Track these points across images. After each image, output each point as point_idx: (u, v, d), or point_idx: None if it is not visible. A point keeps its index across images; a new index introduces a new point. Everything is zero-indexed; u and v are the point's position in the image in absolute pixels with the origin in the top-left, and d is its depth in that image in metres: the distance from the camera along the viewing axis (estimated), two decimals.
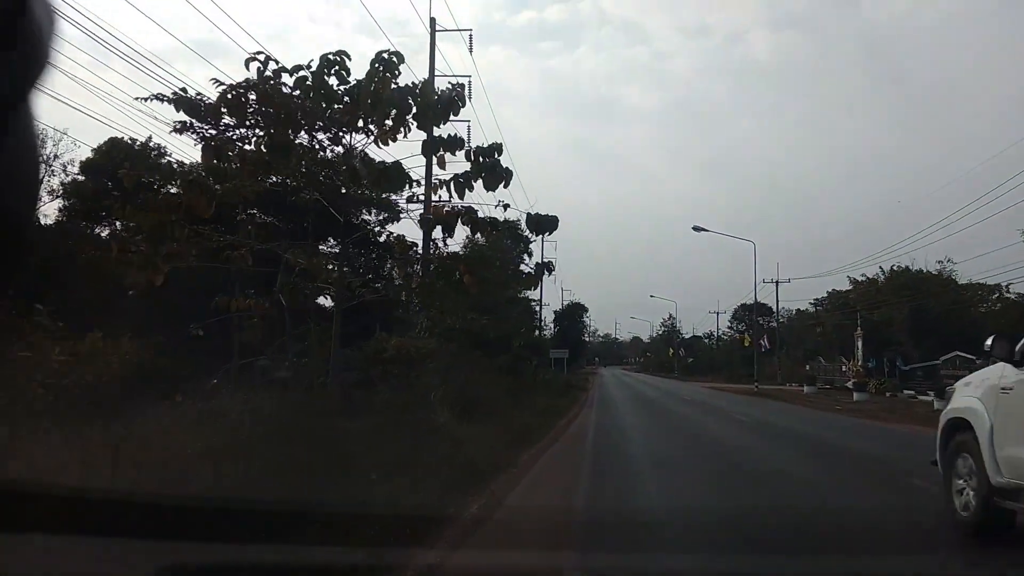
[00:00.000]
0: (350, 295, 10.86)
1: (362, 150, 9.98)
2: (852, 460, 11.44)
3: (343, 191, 10.74)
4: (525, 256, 42.99)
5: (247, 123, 10.00)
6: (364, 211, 21.93)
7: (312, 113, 10.33)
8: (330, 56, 9.63)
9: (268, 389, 10.64)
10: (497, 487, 6.89)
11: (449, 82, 11.00)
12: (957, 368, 36.30)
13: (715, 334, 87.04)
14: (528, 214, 10.82)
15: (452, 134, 11.13)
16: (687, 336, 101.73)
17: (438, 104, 10.21)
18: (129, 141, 22.08)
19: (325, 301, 13.56)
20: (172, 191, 12.09)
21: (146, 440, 5.93)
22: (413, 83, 10.28)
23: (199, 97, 10.52)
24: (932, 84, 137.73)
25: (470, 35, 27.98)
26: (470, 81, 27.48)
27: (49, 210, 23.90)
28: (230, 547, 4.05)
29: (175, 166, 15.10)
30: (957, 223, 57.26)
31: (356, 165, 9.40)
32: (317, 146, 10.80)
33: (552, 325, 69.84)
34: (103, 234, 21.57)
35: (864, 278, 55.16)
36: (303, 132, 10.60)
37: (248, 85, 10.01)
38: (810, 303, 65.88)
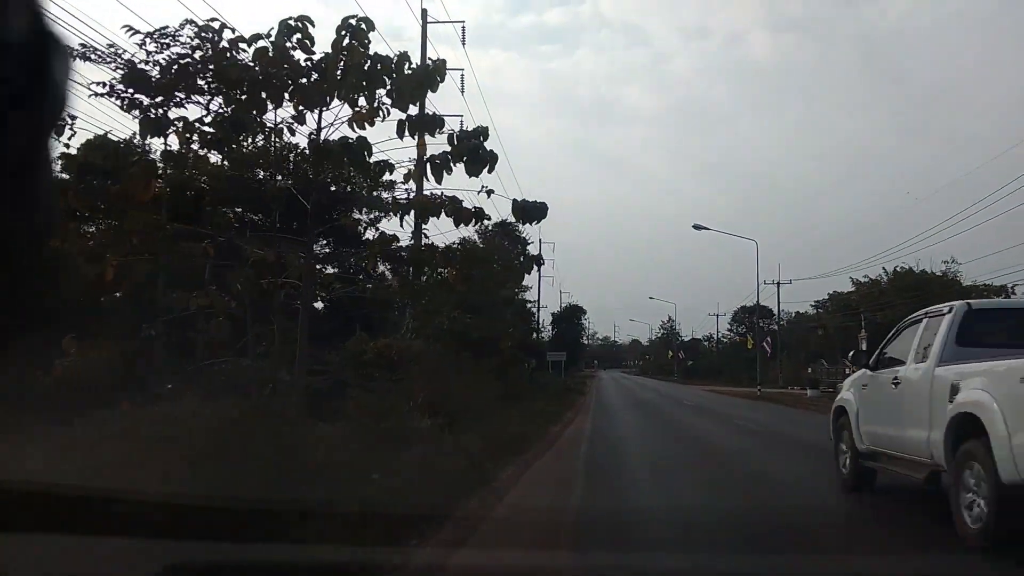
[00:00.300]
0: (319, 290, 9.91)
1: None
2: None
3: (310, 175, 9.73)
4: (522, 257, 42.43)
5: (201, 96, 8.95)
6: (356, 211, 21.07)
7: (275, 88, 9.31)
8: (291, 22, 8.61)
9: (225, 394, 9.67)
10: (466, 516, 5.55)
11: (430, 58, 9.93)
12: None
13: (715, 337, 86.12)
14: (514, 200, 9.81)
15: (432, 112, 10.15)
16: (686, 339, 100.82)
17: (414, 78, 9.21)
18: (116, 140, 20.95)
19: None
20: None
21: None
22: (387, 56, 9.29)
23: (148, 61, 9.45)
24: (931, 84, 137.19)
25: (463, 27, 27.16)
26: (463, 75, 26.70)
27: None
28: (232, 546, 4.07)
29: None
30: (957, 225, 56.21)
31: (320, 142, 8.37)
32: (282, 125, 9.79)
33: (550, 327, 69.05)
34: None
35: (867, 279, 54.30)
36: (267, 107, 9.52)
37: (203, 57, 9.04)
38: (811, 305, 65.03)
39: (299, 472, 5.74)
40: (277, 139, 9.65)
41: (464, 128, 9.65)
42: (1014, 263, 72.23)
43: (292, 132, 9.96)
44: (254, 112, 9.21)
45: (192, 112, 9.18)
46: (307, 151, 9.36)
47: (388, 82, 9.10)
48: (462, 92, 26.15)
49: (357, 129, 9.44)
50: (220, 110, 8.76)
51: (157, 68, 9.33)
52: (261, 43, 8.78)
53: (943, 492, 6.47)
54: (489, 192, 9.79)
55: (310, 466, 5.73)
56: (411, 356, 12.62)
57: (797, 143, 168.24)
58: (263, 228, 12.01)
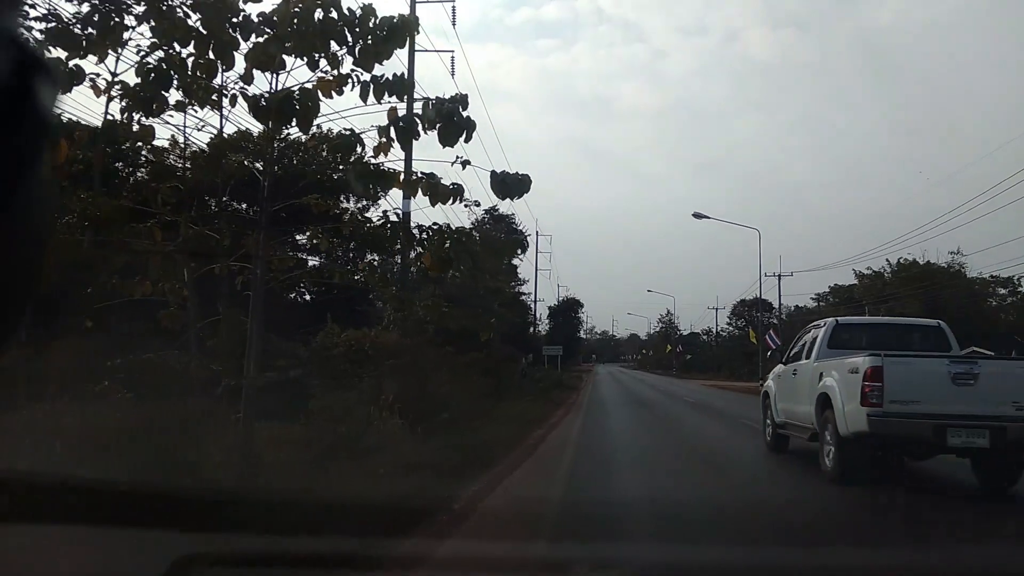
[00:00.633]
0: (272, 275, 8.75)
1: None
2: None
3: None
4: (519, 251, 41.20)
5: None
6: (344, 200, 19.82)
7: (222, 45, 8.11)
8: None
9: (164, 393, 8.53)
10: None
11: (400, 14, 8.70)
12: None
13: (713, 331, 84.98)
14: (493, 172, 8.63)
15: (399, 73, 8.95)
16: (685, 333, 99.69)
17: (379, 31, 8.01)
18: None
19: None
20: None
21: None
22: (349, 9, 8.10)
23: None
24: (929, 78, 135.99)
25: (452, 7, 25.95)
26: (453, 57, 25.45)
27: None
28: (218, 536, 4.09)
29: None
30: (961, 216, 55.21)
31: (256, 99, 7.18)
32: (234, 90, 8.58)
33: (547, 321, 67.96)
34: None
35: (869, 271, 53.30)
36: (217, 69, 8.29)
37: None
38: (811, 298, 64.06)
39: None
40: (224, 103, 8.49)
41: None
42: (1021, 254, 71.02)
43: (246, 97, 8.80)
44: (198, 72, 8.04)
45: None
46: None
47: (349, 36, 7.93)
48: (452, 75, 24.97)
49: (323, 98, 8.32)
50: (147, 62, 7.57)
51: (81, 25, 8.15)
52: None
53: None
54: (465, 163, 8.60)
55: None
56: (385, 350, 11.45)
57: (794, 139, 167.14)
58: (237, 214, 10.81)
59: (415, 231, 8.97)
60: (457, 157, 8.63)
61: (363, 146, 8.75)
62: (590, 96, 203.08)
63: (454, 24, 22.83)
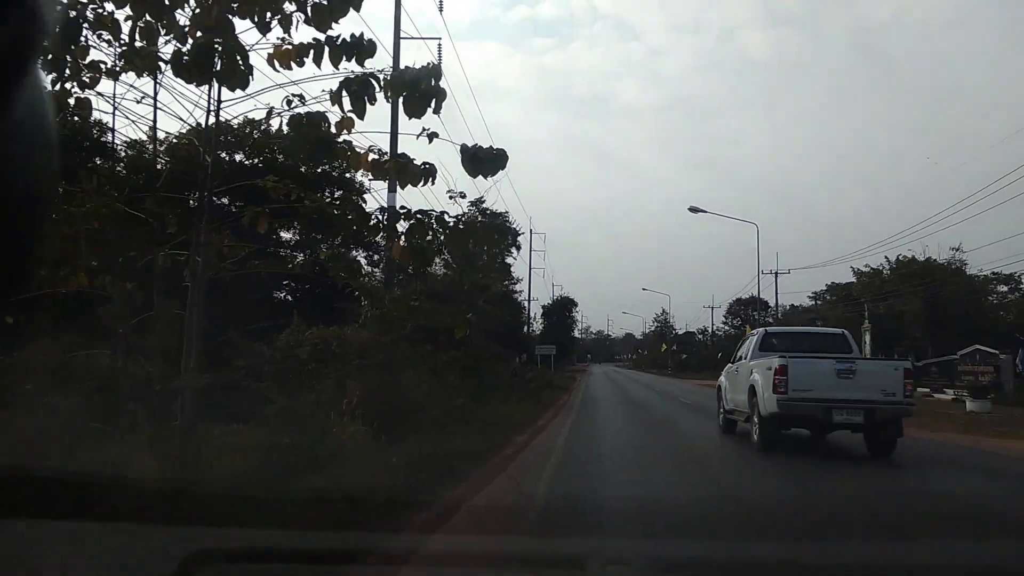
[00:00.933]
0: (218, 264, 7.79)
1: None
2: None
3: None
4: (513, 250, 40.04)
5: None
6: (327, 191, 18.79)
7: (159, 5, 7.11)
8: None
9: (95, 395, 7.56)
10: None
11: None
12: (976, 363, 33.06)
13: (709, 330, 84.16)
14: (463, 146, 7.64)
15: (357, 34, 7.94)
16: (680, 332, 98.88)
17: None
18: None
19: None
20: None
21: None
22: None
23: None
24: (925, 74, 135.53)
25: None
26: (440, 45, 24.45)
27: None
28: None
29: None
30: (960, 213, 54.46)
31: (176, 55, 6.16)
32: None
33: (540, 320, 67.04)
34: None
35: (868, 268, 52.52)
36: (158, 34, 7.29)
37: None
38: (808, 296, 63.32)
39: None
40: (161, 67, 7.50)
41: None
42: (1018, 250, 70.34)
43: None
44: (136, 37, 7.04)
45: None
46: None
47: None
48: (439, 63, 23.98)
49: (281, 68, 7.33)
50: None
51: None
52: None
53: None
54: (431, 136, 7.61)
55: None
56: (353, 348, 10.47)
57: (790, 136, 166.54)
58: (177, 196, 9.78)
59: (377, 214, 7.99)
60: (424, 129, 7.65)
61: (327, 123, 7.84)
62: (587, 94, 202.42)
63: (441, 9, 21.81)
